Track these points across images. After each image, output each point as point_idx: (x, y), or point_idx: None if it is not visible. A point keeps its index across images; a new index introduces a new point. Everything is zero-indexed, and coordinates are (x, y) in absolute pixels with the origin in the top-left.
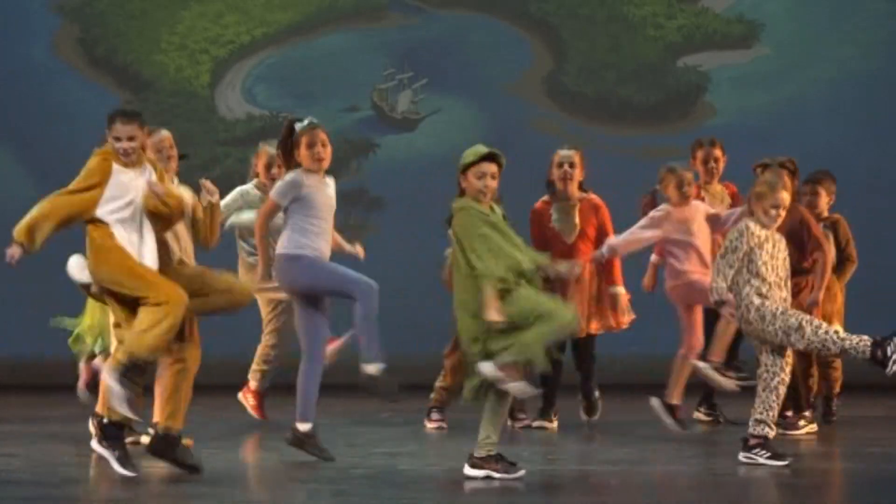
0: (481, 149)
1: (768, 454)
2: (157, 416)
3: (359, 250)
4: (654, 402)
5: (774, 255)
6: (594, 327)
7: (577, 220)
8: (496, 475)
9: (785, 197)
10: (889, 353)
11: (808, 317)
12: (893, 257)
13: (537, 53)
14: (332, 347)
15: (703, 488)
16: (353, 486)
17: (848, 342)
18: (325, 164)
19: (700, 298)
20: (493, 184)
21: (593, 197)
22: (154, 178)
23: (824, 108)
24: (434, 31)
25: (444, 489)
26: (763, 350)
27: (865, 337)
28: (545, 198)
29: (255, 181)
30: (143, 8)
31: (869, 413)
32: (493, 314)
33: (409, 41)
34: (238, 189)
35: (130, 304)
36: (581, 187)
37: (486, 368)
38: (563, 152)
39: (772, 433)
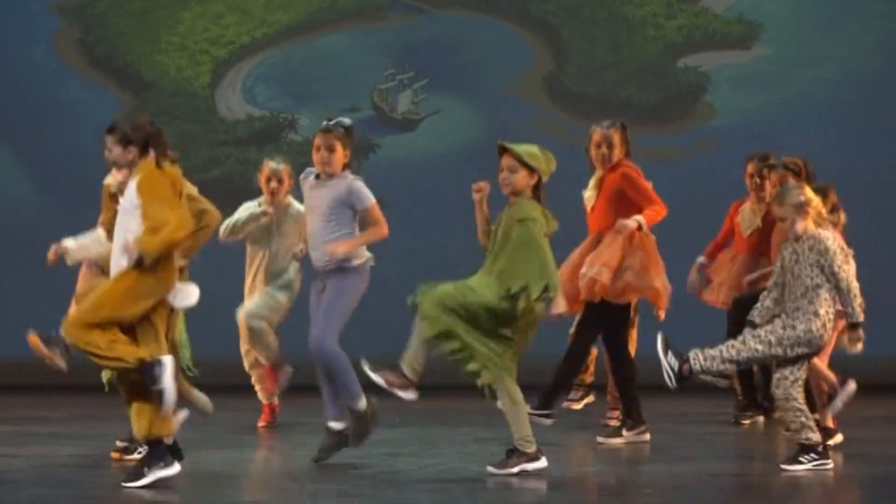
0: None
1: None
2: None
3: None
4: None
5: None
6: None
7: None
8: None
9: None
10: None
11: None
12: (894, 257)
13: (537, 53)
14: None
15: (702, 488)
16: (353, 486)
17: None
18: (329, 167)
19: None
20: (509, 177)
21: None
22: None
23: (824, 108)
24: (434, 31)
25: (444, 489)
26: None
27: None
28: None
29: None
30: (143, 8)
31: (869, 413)
32: None
33: (409, 41)
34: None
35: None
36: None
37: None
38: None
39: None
